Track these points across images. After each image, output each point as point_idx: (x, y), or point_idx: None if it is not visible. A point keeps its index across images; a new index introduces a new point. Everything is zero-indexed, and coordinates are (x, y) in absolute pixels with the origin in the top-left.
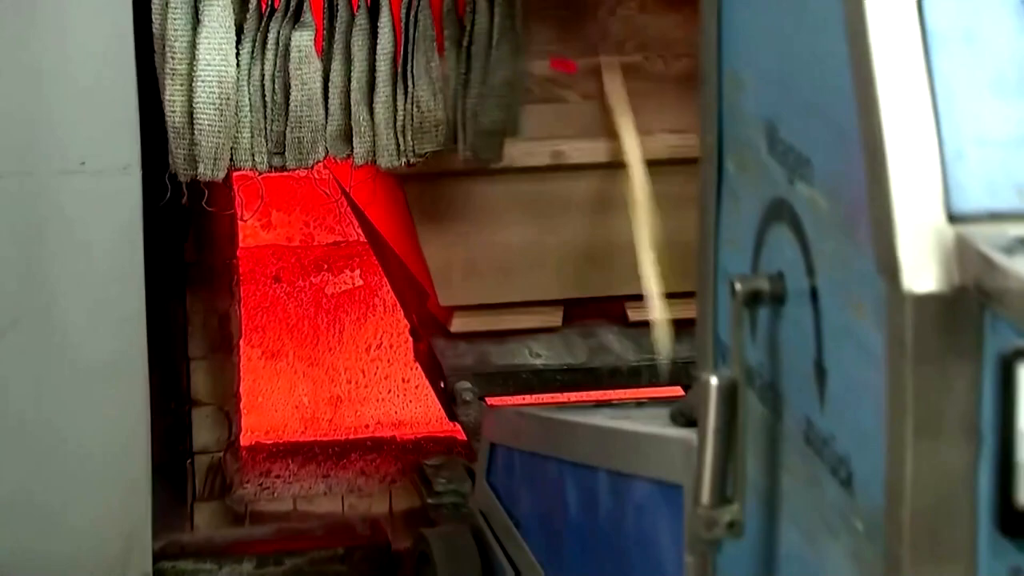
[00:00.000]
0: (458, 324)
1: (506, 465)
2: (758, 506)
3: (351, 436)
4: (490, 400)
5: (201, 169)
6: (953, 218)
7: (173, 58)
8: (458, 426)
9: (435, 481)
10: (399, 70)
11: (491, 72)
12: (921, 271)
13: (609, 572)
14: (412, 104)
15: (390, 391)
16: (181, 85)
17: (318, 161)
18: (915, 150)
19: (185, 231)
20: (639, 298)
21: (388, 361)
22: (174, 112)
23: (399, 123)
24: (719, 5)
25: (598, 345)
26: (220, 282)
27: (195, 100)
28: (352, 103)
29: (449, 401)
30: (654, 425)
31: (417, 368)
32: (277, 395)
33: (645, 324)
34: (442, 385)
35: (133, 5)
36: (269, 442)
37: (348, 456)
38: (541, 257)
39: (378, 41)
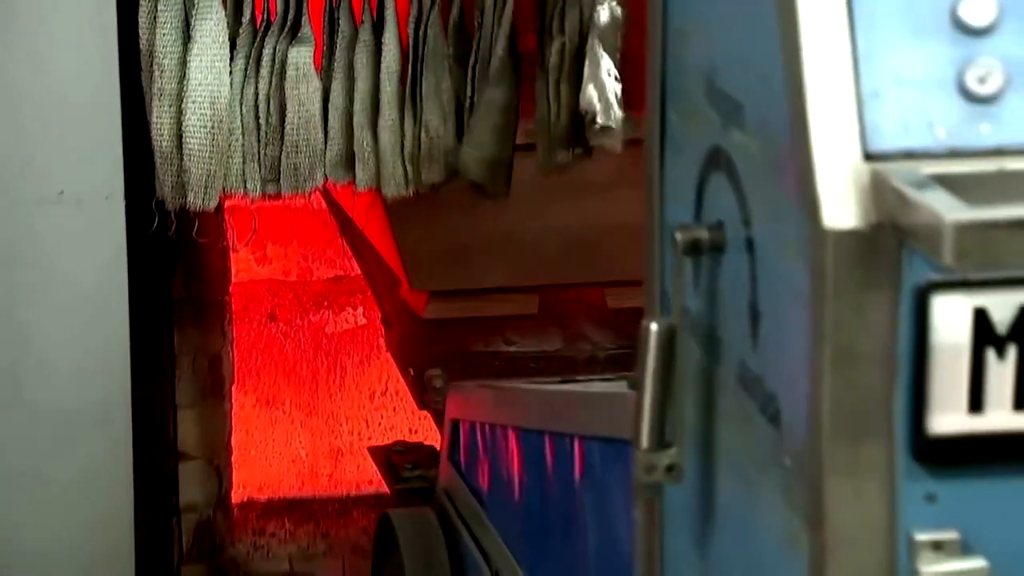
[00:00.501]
0: (431, 311)
1: (468, 441)
2: (698, 451)
3: (353, 492)
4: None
5: (190, 197)
6: (869, 156)
7: (161, 76)
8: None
9: (401, 467)
10: (406, 91)
11: (491, 93)
12: (839, 208)
13: (568, 535)
14: (420, 129)
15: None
16: (170, 106)
17: (316, 188)
18: (833, 91)
19: (173, 265)
20: (618, 284)
21: (394, 409)
22: (161, 135)
23: (406, 149)
24: None
25: (574, 333)
26: (211, 321)
27: (184, 122)
28: (355, 126)
29: (419, 389)
30: (607, 387)
31: (427, 417)
32: (272, 447)
33: (625, 311)
34: (411, 372)
35: (118, 19)
36: (263, 498)
37: (350, 514)
38: (517, 242)
39: (383, 59)
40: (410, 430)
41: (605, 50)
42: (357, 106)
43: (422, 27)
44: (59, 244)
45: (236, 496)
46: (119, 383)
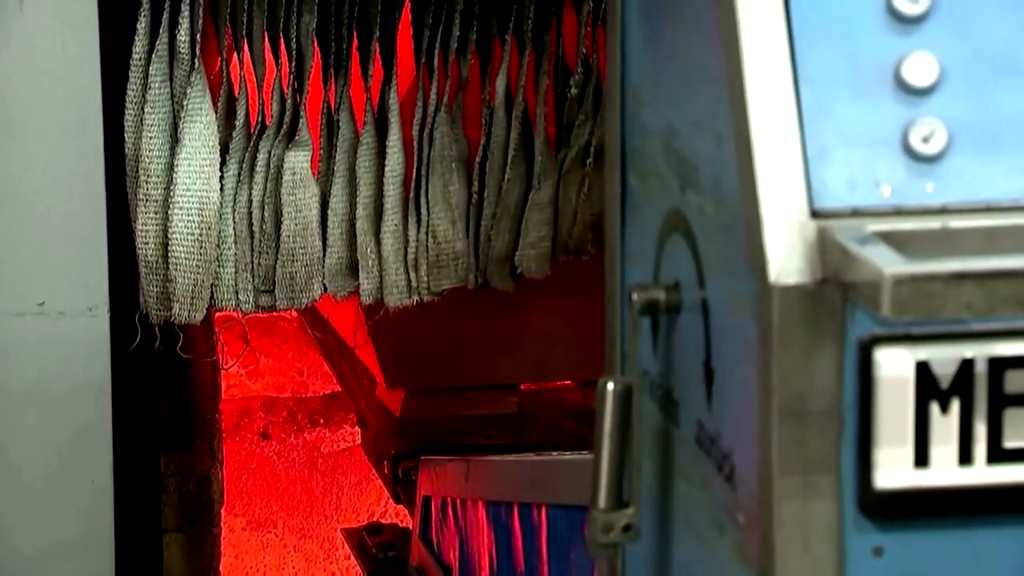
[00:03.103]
0: (406, 409)
1: (439, 517)
2: (656, 511)
3: None
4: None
5: (176, 309)
6: (816, 214)
7: (147, 182)
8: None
9: (375, 548)
10: (410, 195)
11: (506, 192)
12: (786, 264)
13: None
14: (427, 234)
15: None
16: (156, 213)
17: (314, 300)
18: (780, 149)
19: (159, 381)
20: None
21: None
22: (147, 243)
23: (410, 256)
24: (622, 21)
25: (554, 428)
26: (199, 440)
27: (171, 230)
28: (358, 232)
29: (393, 483)
30: (572, 455)
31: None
32: (264, 573)
33: None
34: (386, 467)
35: (103, 122)
36: None
37: None
38: (496, 340)
39: (387, 163)
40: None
41: None
42: (360, 211)
43: (427, 129)
44: (38, 359)
45: None
46: (101, 507)
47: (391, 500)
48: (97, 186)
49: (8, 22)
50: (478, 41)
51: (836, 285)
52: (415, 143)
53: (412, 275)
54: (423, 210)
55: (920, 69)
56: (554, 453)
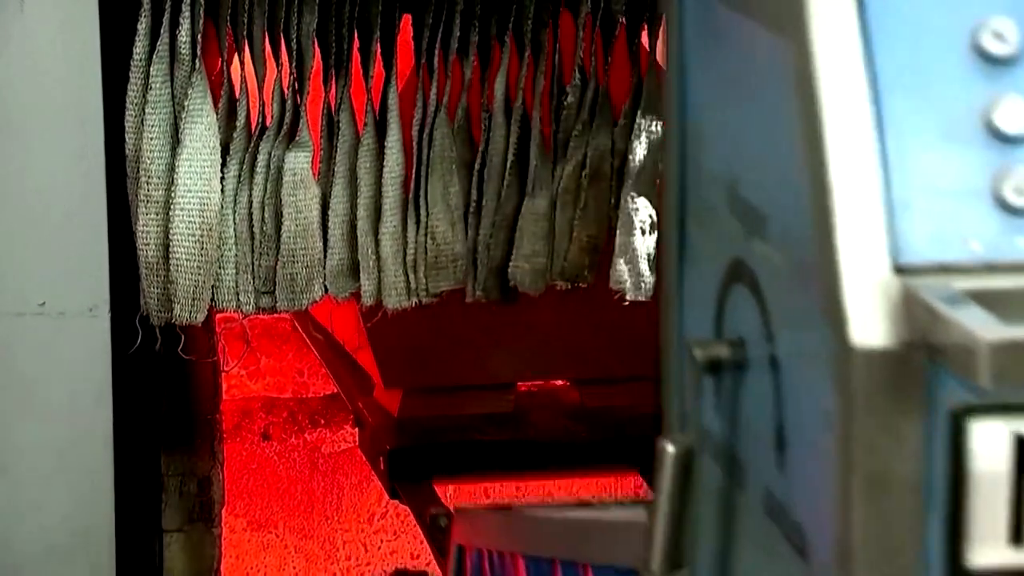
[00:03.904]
0: (404, 409)
1: (473, 569)
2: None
3: None
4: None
5: (177, 311)
6: (900, 270)
7: (148, 183)
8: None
9: None
10: (408, 196)
11: (504, 199)
12: (867, 325)
13: None
14: (426, 235)
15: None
16: (156, 214)
17: (314, 301)
18: (861, 200)
19: (160, 382)
20: (594, 383)
21: (394, 533)
22: (148, 245)
23: (409, 257)
24: (682, 60)
25: (549, 425)
26: (200, 441)
27: (172, 231)
28: (358, 233)
29: (389, 478)
30: (623, 514)
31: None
32: (264, 573)
33: (601, 410)
34: (381, 466)
35: (104, 124)
36: None
37: None
38: (492, 339)
39: (386, 164)
40: (411, 555)
41: (641, 194)
42: (361, 212)
43: (427, 130)
44: (39, 360)
45: None
46: (102, 507)
47: (391, 501)
48: (97, 186)
49: (8, 22)
50: (479, 42)
51: (922, 348)
52: (414, 144)
53: (411, 276)
54: (422, 211)
55: (1012, 114)
56: (599, 507)
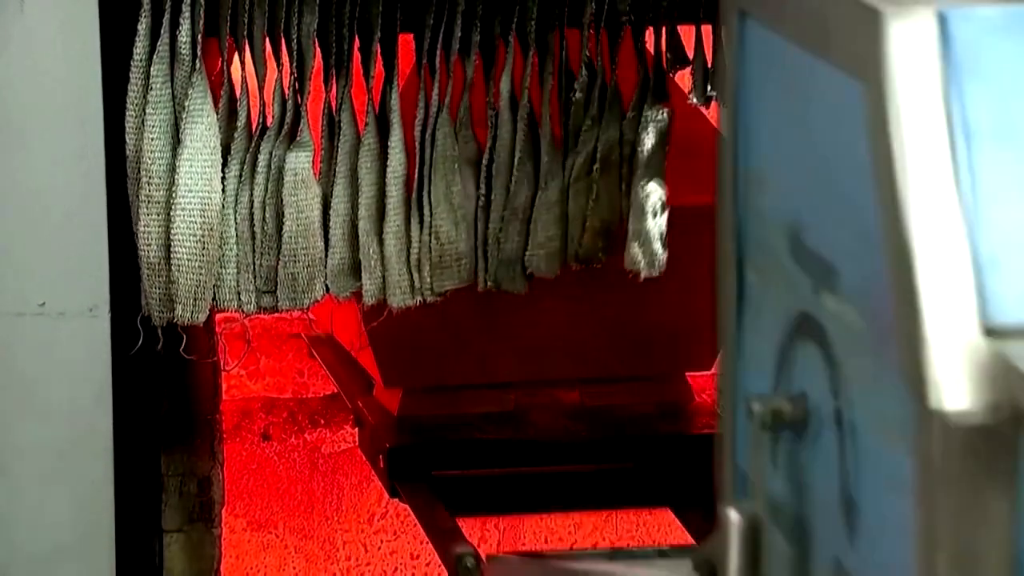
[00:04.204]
0: (404, 408)
1: None
2: None
3: None
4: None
5: (179, 311)
6: (989, 331)
7: (149, 183)
8: None
9: None
10: (411, 196)
11: (514, 193)
12: (953, 389)
13: None
14: (429, 235)
15: (396, 569)
16: (158, 214)
17: (316, 301)
18: (946, 257)
19: (160, 382)
20: (594, 382)
21: (395, 534)
22: (149, 245)
23: (413, 256)
24: (737, 99)
25: (550, 424)
26: (200, 441)
27: (173, 231)
28: (360, 233)
29: (388, 476)
30: (664, 567)
31: (430, 544)
32: (264, 573)
33: (601, 408)
34: (380, 464)
35: (104, 125)
36: None
37: None
38: (493, 338)
39: (388, 163)
40: (411, 555)
41: (651, 179)
42: (362, 212)
43: (429, 129)
44: (38, 360)
45: None
46: (101, 507)
47: (391, 502)
48: (97, 186)
49: (8, 22)
50: (481, 42)
51: (1012, 415)
52: (417, 143)
53: (415, 275)
54: (426, 211)
55: None
56: (638, 554)
